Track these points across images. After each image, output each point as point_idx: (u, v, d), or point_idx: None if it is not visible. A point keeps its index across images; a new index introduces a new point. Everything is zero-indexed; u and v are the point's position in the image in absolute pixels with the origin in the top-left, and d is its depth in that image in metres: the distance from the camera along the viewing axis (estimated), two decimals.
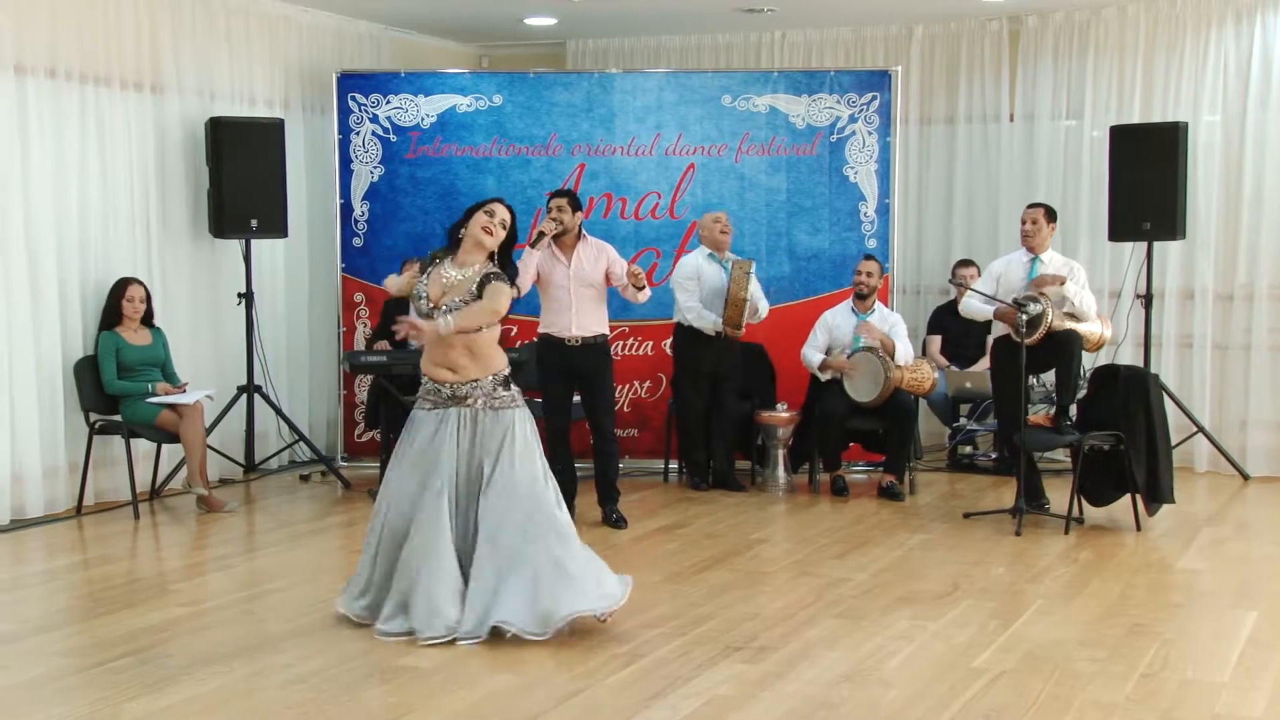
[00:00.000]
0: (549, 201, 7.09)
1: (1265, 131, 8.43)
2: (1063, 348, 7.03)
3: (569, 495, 7.17)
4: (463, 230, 5.12)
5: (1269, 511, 7.62)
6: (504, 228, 5.11)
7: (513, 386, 5.16)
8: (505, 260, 5.15)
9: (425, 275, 5.14)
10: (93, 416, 7.41)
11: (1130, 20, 8.88)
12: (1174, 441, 7.40)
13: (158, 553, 6.78)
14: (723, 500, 7.81)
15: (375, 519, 5.18)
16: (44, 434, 7.29)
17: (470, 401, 5.06)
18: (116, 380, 7.38)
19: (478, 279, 5.03)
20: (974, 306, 7.25)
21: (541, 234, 6.82)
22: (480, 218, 5.08)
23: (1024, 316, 6.85)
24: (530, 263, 6.77)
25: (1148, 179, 8.16)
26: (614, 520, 7.04)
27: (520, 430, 5.07)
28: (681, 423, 8.16)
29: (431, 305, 5.04)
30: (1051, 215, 7.35)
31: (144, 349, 7.51)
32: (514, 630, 4.84)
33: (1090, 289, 7.27)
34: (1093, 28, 9.03)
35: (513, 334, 8.60)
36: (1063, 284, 7.03)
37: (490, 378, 5.09)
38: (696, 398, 8.00)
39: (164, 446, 7.70)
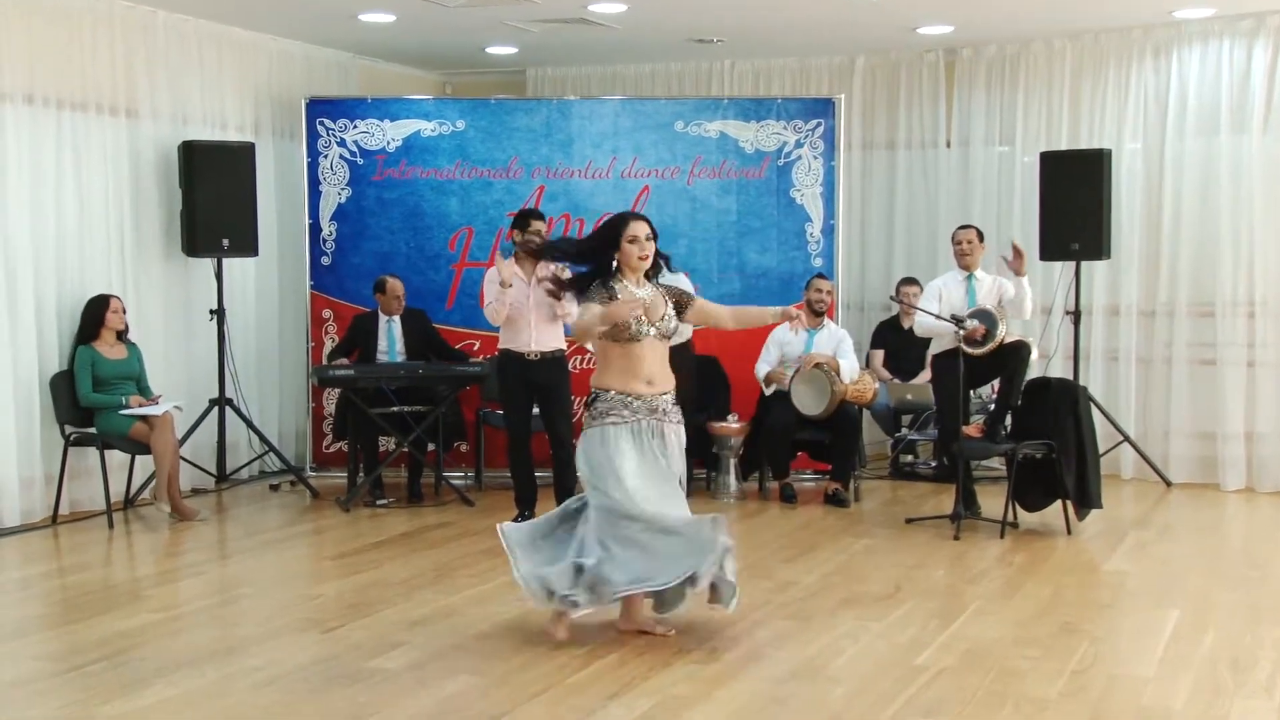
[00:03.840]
0: (522, 223, 7.09)
1: (1183, 158, 8.55)
2: (1012, 354, 7.10)
3: (530, 502, 7.17)
4: (616, 258, 4.94)
5: (1190, 515, 7.71)
6: (650, 240, 4.96)
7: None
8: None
9: (603, 298, 4.89)
10: (68, 429, 7.32)
11: (1057, 53, 8.99)
12: (1102, 450, 7.47)
13: (131, 560, 6.70)
14: None
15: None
16: (21, 445, 7.18)
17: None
18: (92, 394, 7.29)
19: (669, 296, 5.00)
20: (926, 324, 7.31)
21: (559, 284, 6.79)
22: (630, 250, 4.91)
23: (961, 332, 6.92)
24: (498, 306, 6.93)
25: (1075, 202, 8.26)
26: None
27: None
28: None
29: (648, 323, 4.91)
30: (982, 236, 7.47)
31: (119, 363, 7.42)
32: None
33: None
34: (1023, 60, 9.13)
35: (475, 349, 8.58)
36: (1024, 274, 7.14)
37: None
38: None
39: (137, 458, 7.61)
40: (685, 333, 7.84)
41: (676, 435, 5.00)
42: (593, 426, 4.94)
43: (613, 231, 4.96)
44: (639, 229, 4.93)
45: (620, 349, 4.91)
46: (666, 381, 4.98)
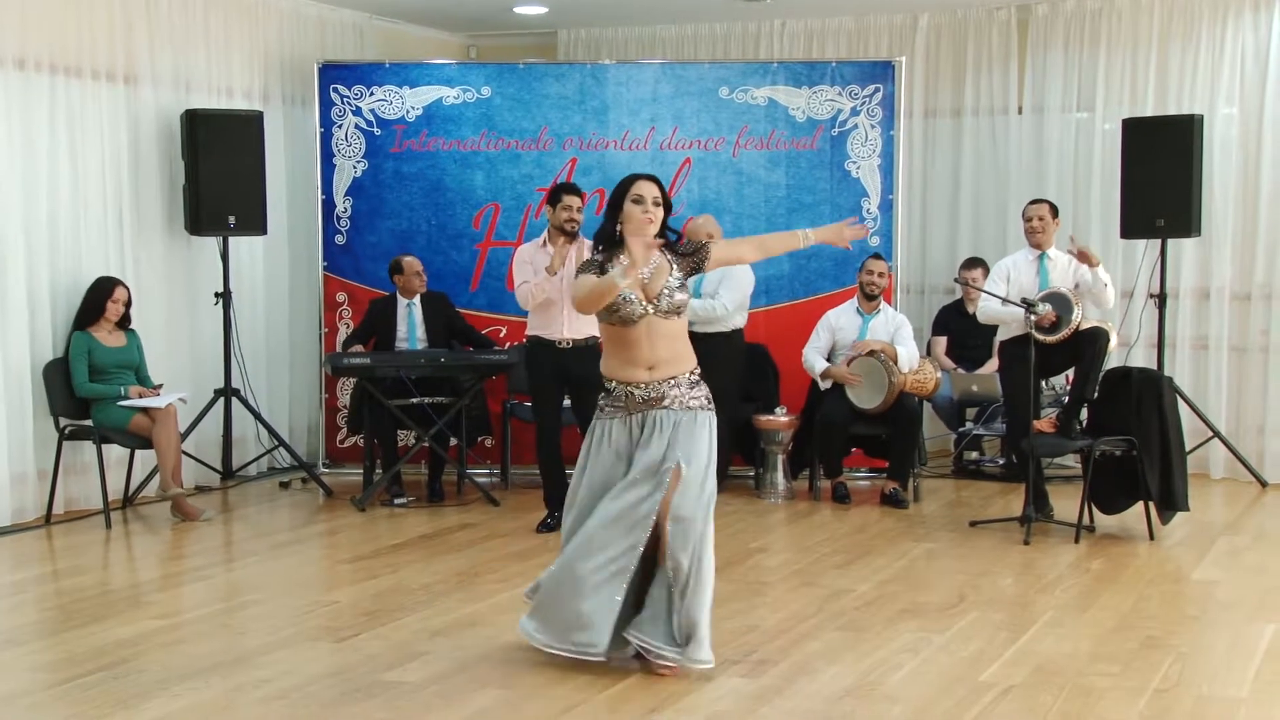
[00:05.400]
0: (556, 198, 7.06)
1: None
2: (1089, 342, 7.06)
3: (560, 502, 7.18)
4: (619, 227, 4.79)
5: None
6: (658, 204, 4.78)
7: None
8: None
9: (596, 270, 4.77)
10: (63, 421, 7.40)
11: (1144, 9, 8.91)
12: (1188, 447, 7.42)
13: (131, 563, 6.78)
14: (720, 508, 7.78)
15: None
16: (12, 439, 7.27)
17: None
18: (88, 383, 7.37)
19: (691, 251, 4.81)
20: (992, 310, 7.27)
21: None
22: (633, 210, 4.75)
23: (1032, 317, 6.89)
24: (531, 289, 6.93)
25: (1161, 174, 8.19)
26: None
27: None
28: None
29: (645, 302, 4.72)
30: (1056, 212, 7.41)
31: (118, 351, 7.50)
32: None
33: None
34: (1105, 17, 9.05)
35: (502, 335, 8.61)
36: (1097, 265, 7.07)
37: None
38: None
39: (137, 452, 7.70)
40: (735, 320, 7.84)
41: (692, 420, 4.73)
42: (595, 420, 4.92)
43: (618, 192, 4.83)
44: (645, 188, 4.79)
45: (614, 332, 4.79)
46: (676, 364, 4.77)
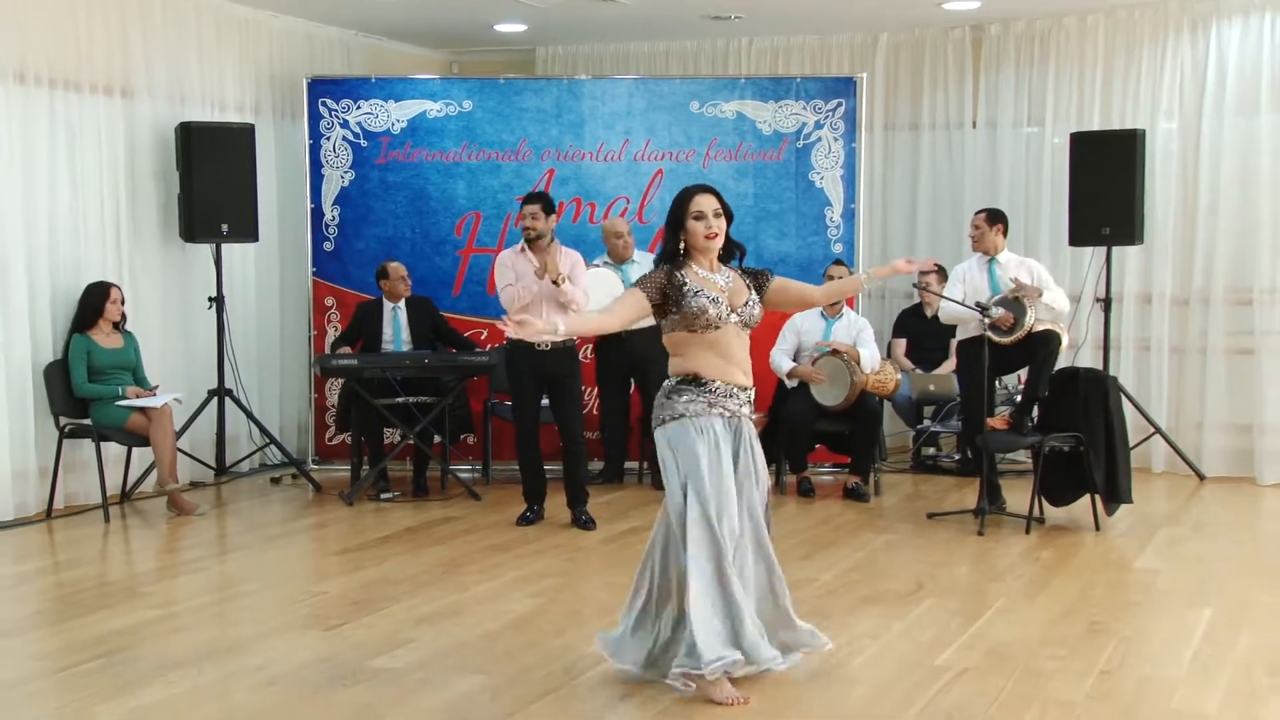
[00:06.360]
0: (522, 206, 7.06)
1: (1220, 138, 8.52)
2: (1041, 344, 7.11)
3: (538, 495, 7.19)
4: (682, 242, 4.42)
5: (1224, 511, 7.70)
6: (719, 216, 4.41)
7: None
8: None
9: (683, 287, 4.37)
10: (63, 420, 7.36)
11: (1090, 29, 8.97)
12: (1132, 443, 7.46)
13: (128, 556, 6.74)
14: None
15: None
16: (13, 437, 7.23)
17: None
18: (87, 384, 7.33)
19: (750, 275, 4.51)
20: (951, 310, 7.31)
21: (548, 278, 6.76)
22: (696, 228, 4.38)
23: (987, 320, 6.93)
24: (515, 292, 6.83)
25: (1107, 185, 8.24)
26: (583, 522, 7.03)
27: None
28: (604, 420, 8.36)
29: (730, 309, 4.39)
30: (993, 218, 7.44)
31: (115, 352, 7.46)
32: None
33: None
34: (1053, 36, 9.11)
35: (483, 337, 8.60)
36: (1040, 295, 7.12)
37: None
38: (613, 396, 8.18)
39: (134, 450, 7.66)
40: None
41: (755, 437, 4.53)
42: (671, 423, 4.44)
43: (677, 209, 4.43)
44: (705, 202, 4.40)
45: (702, 338, 4.39)
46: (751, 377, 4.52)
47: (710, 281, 4.40)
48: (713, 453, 4.36)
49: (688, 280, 4.36)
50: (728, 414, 4.41)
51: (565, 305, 6.70)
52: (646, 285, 4.40)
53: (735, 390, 4.42)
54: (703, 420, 4.37)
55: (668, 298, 4.36)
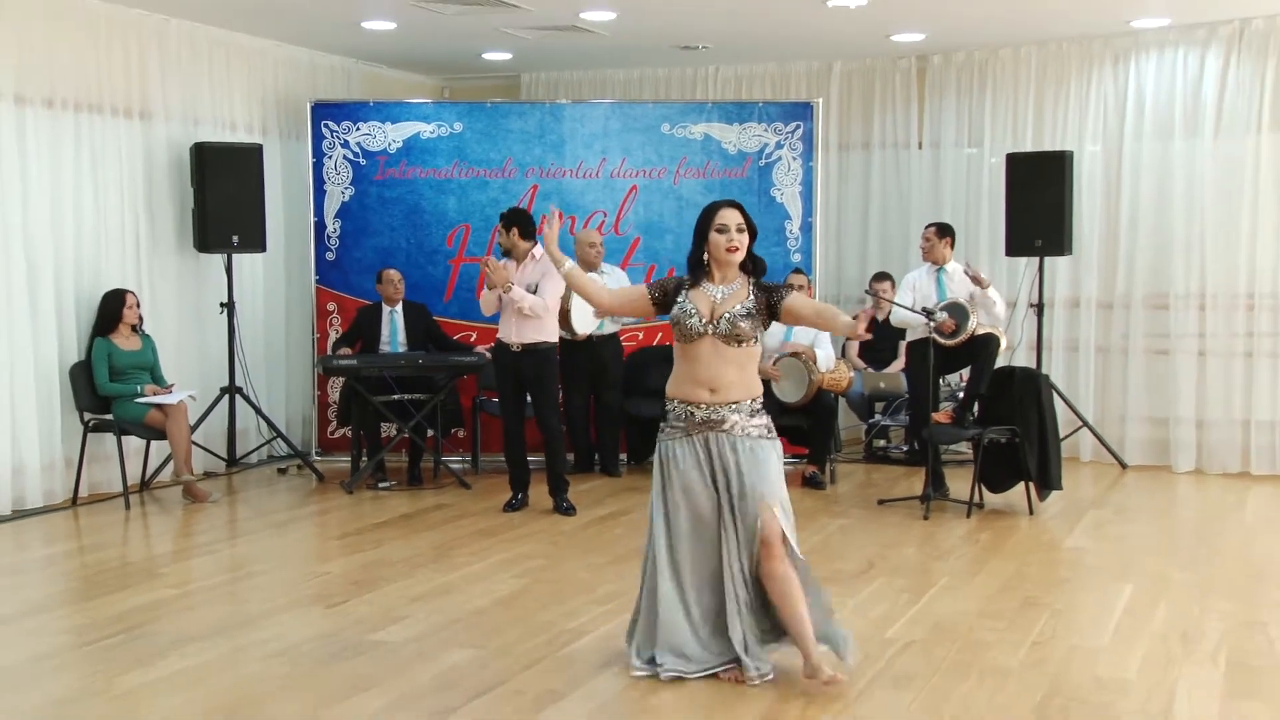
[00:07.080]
0: (504, 224, 7.06)
1: (1140, 160, 8.60)
2: (982, 346, 7.17)
3: (523, 484, 7.18)
4: (706, 255, 4.23)
5: (1144, 497, 7.77)
6: (742, 231, 4.19)
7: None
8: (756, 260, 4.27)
9: (682, 295, 4.24)
10: (87, 415, 7.33)
11: (1023, 60, 9.03)
12: (1062, 435, 7.53)
13: (147, 540, 6.72)
14: None
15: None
16: (42, 431, 7.19)
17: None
18: (109, 383, 7.30)
19: (770, 288, 4.23)
20: (901, 315, 7.36)
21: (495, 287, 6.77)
22: (718, 240, 4.18)
23: (931, 323, 6.97)
24: (490, 298, 6.86)
25: (1039, 201, 8.31)
26: (564, 509, 7.04)
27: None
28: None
29: (705, 320, 4.16)
30: (943, 231, 7.49)
31: (134, 354, 7.43)
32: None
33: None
34: (991, 66, 9.17)
35: (472, 339, 8.60)
36: (987, 287, 7.16)
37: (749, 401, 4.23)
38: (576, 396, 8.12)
39: (152, 443, 7.63)
40: (612, 323, 7.97)
41: (757, 450, 4.25)
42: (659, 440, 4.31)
43: (703, 221, 4.22)
44: (729, 216, 4.18)
45: (681, 349, 4.22)
46: (739, 390, 4.20)
47: (705, 295, 4.20)
48: (675, 494, 4.21)
49: (688, 297, 4.22)
50: (697, 433, 4.18)
51: (521, 311, 6.76)
52: (655, 283, 4.35)
53: (691, 409, 4.16)
54: (674, 444, 4.22)
55: (667, 298, 4.30)
